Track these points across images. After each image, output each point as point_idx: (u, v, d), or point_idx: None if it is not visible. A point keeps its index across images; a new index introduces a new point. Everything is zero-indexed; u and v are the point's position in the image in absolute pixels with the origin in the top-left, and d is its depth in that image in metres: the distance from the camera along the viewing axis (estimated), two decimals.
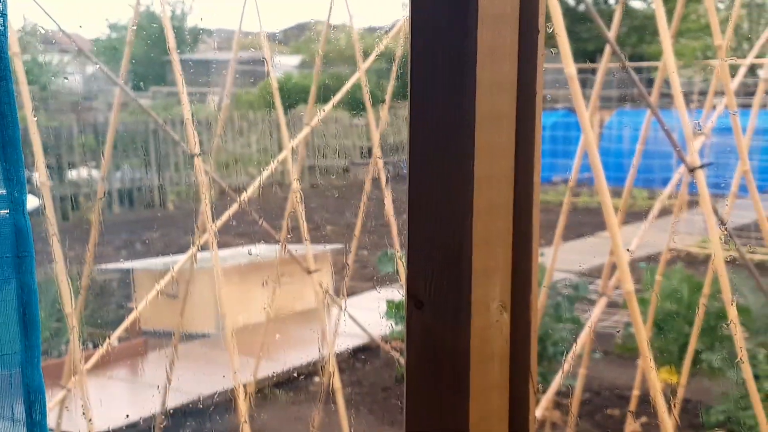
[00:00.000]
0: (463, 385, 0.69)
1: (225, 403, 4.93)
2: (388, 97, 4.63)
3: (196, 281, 4.19)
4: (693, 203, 4.61)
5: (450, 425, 0.69)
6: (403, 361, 4.49)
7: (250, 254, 6.10)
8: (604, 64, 3.03)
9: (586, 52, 19.09)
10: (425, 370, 0.71)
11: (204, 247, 3.92)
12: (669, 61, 2.65)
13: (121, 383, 5.48)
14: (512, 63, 0.70)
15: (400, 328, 5.63)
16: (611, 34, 2.70)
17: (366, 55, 4.53)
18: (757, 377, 3.47)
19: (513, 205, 0.71)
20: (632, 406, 4.00)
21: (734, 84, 3.15)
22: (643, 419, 4.73)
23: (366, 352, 6.16)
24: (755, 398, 2.74)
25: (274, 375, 5.49)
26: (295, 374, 5.64)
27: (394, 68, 4.41)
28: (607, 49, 2.90)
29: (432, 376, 0.71)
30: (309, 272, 3.67)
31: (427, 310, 0.69)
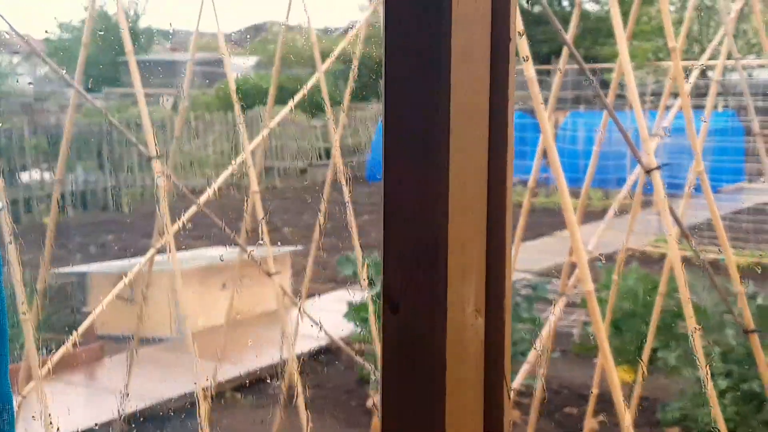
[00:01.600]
0: (438, 387, 0.69)
1: (185, 407, 4.89)
2: (347, 99, 4.63)
3: (154, 284, 4.15)
4: (646, 203, 4.68)
5: (426, 426, 0.70)
6: (363, 363, 4.48)
7: (220, 258, 6.06)
8: (562, 66, 3.07)
9: (541, 54, 19.27)
10: (401, 373, 0.71)
11: (162, 250, 3.89)
12: (625, 65, 2.69)
13: (78, 389, 5.41)
14: (485, 65, 0.71)
15: (361, 330, 5.62)
16: (568, 36, 2.73)
17: (324, 56, 4.52)
18: (712, 375, 3.53)
19: (486, 207, 0.72)
20: (591, 404, 4.05)
21: (688, 86, 3.20)
22: (601, 418, 4.79)
23: (327, 354, 6.14)
24: (712, 396, 2.79)
25: (235, 378, 5.46)
26: (256, 377, 5.61)
27: (354, 70, 4.41)
28: (565, 52, 2.93)
29: (408, 378, 0.71)
30: (269, 275, 3.65)
31: (402, 313, 0.69)
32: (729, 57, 3.39)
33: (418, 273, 0.69)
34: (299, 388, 4.11)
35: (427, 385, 0.70)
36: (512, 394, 2.94)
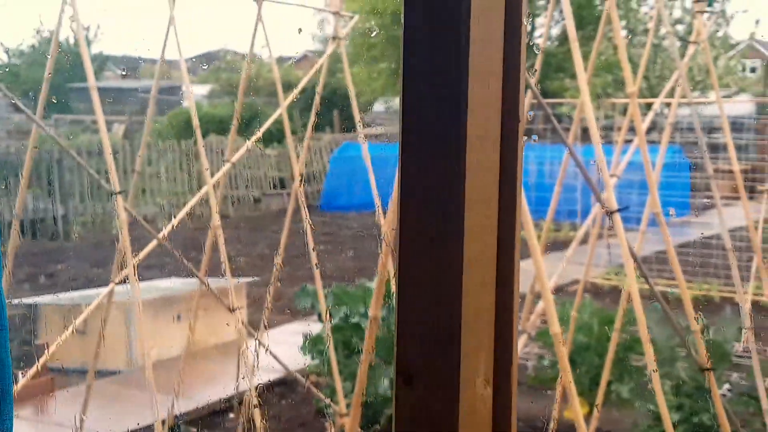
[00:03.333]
0: None
1: None
2: (309, 130, 4.64)
3: (108, 316, 4.10)
4: (598, 235, 4.77)
5: None
6: (320, 395, 4.47)
7: (178, 286, 6.00)
8: (522, 103, 3.14)
9: None
10: None
11: (121, 282, 3.86)
12: (586, 103, 2.76)
13: (28, 423, 5.29)
14: (496, 144, 0.74)
15: (317, 362, 5.61)
16: (533, 80, 2.79)
17: (284, 86, 4.54)
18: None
19: (495, 282, 0.75)
20: None
21: (645, 124, 3.29)
22: None
23: (282, 386, 6.11)
24: (668, 428, 2.85)
25: (191, 411, 5.40)
26: (211, 410, 5.56)
27: (316, 103, 4.44)
28: (529, 93, 3.00)
29: None
30: (231, 310, 3.64)
31: (416, 386, 0.72)
32: (683, 96, 3.50)
33: (434, 348, 0.72)
34: (258, 421, 4.10)
35: None
36: None
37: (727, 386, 5.06)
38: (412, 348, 0.72)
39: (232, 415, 5.49)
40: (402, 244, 0.74)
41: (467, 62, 0.70)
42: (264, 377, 5.98)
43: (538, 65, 3.13)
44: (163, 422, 3.99)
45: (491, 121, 0.74)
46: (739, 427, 3.43)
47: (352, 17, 4.11)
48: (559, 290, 8.60)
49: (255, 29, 3.96)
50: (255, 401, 4.13)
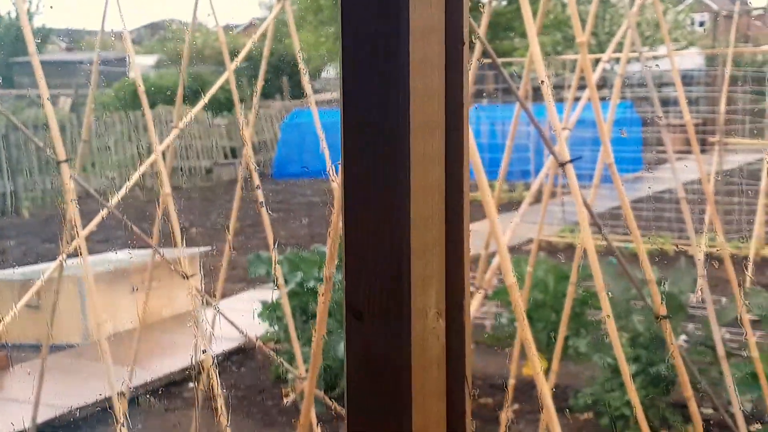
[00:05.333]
0: (404, 393, 0.70)
1: (97, 414, 4.77)
2: (256, 98, 4.58)
3: (60, 290, 4.03)
4: (551, 194, 4.79)
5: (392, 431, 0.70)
6: (280, 362, 4.46)
7: (131, 258, 5.92)
8: (474, 62, 3.11)
9: None
10: (366, 381, 0.71)
11: (71, 255, 3.78)
12: (536, 57, 2.74)
13: None
14: (440, 73, 0.72)
15: (275, 329, 5.59)
16: (481, 31, 2.77)
17: (229, 54, 4.46)
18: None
19: (445, 215, 0.72)
20: (510, 393, 4.13)
21: (595, 76, 3.29)
22: (516, 406, 4.88)
23: (240, 354, 6.09)
24: (627, 380, 2.88)
25: (149, 383, 5.35)
26: (170, 381, 5.52)
27: (263, 68, 4.36)
28: (478, 47, 2.97)
29: (373, 385, 0.71)
30: (185, 277, 3.59)
31: (366, 321, 0.69)
32: (632, 49, 3.50)
33: (382, 282, 0.69)
34: (217, 390, 4.07)
35: (392, 391, 0.71)
36: None
37: (683, 337, 5.15)
38: (361, 284, 0.70)
39: (191, 385, 5.46)
40: (346, 180, 0.71)
41: (407, 18, 0.67)
42: (222, 346, 5.95)
43: (485, 19, 3.10)
44: (121, 394, 3.95)
45: (434, 76, 0.71)
46: (697, 375, 3.48)
47: None
48: (514, 249, 8.67)
49: None
50: (213, 369, 4.10)
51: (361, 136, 0.68)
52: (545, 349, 5.04)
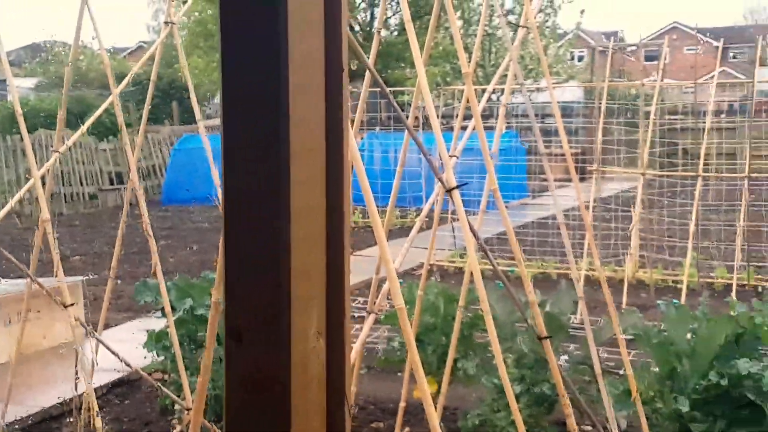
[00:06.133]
0: (284, 413, 0.71)
1: None
2: (143, 122, 4.51)
3: None
4: (441, 220, 4.88)
5: None
6: (167, 392, 4.36)
7: (4, 288, 5.69)
8: (365, 90, 3.16)
9: None
10: (246, 402, 0.72)
11: None
12: (425, 92, 2.80)
13: None
14: (320, 99, 0.74)
15: (162, 358, 5.46)
16: (370, 62, 2.81)
17: (115, 78, 4.38)
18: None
19: (326, 236, 0.74)
20: (400, 417, 4.16)
21: (480, 105, 3.39)
22: (407, 429, 4.92)
23: (125, 386, 5.92)
24: (512, 401, 2.95)
25: (24, 418, 5.14)
26: (48, 415, 5.31)
27: (150, 92, 4.30)
28: (367, 77, 3.02)
29: (253, 406, 0.72)
30: (65, 306, 3.48)
31: (246, 343, 0.70)
32: (515, 81, 3.61)
33: (262, 304, 0.70)
34: (98, 423, 3.95)
35: (272, 411, 0.72)
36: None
37: (565, 357, 5.30)
38: (241, 306, 0.71)
39: (71, 419, 5.27)
40: (227, 204, 0.72)
41: (287, 46, 0.69)
42: (105, 378, 5.78)
43: (374, 49, 3.15)
44: None
45: (314, 101, 0.74)
46: (576, 393, 3.59)
47: (185, 2, 4.00)
48: (407, 274, 8.76)
49: (80, 15, 3.79)
50: (94, 403, 3.98)
51: (241, 161, 0.70)
52: (436, 371, 5.10)
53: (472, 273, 3.07)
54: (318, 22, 0.72)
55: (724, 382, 3.89)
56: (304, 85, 0.71)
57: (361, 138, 15.61)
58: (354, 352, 2.83)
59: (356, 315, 7.15)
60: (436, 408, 4.27)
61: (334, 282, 0.74)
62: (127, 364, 4.46)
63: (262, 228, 0.70)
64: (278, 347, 0.70)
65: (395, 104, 2.55)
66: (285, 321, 0.70)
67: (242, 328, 0.70)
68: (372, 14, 24.47)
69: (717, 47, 10.46)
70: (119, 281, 9.27)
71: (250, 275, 0.70)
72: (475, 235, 2.87)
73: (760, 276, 8.78)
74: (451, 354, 4.04)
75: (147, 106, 4.30)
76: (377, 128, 16.43)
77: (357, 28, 24.52)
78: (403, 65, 23.12)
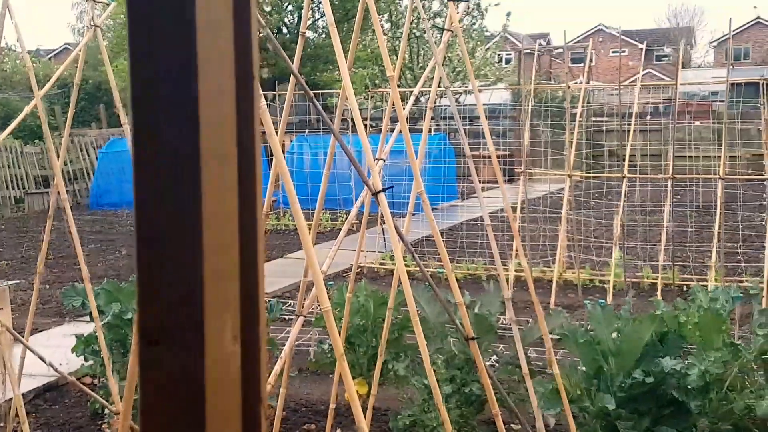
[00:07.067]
0: (199, 418, 0.72)
1: None
2: (68, 125, 4.44)
3: None
4: (370, 222, 4.92)
5: None
6: (95, 396, 4.30)
7: None
8: (290, 93, 3.17)
9: (263, 79, 19.52)
10: (160, 407, 0.73)
11: None
12: (351, 96, 2.83)
13: None
14: (231, 105, 0.75)
15: (91, 363, 5.38)
16: (294, 65, 2.82)
17: (39, 80, 4.31)
18: (437, 381, 3.77)
19: (239, 240, 0.76)
20: (330, 418, 4.17)
21: (406, 110, 3.42)
22: (338, 431, 4.94)
23: (54, 391, 5.82)
24: (439, 401, 2.99)
25: None
26: None
27: (74, 95, 4.24)
28: (292, 81, 3.03)
29: (167, 412, 0.73)
30: None
31: (161, 348, 0.72)
32: (440, 85, 3.66)
33: (176, 308, 0.72)
34: (26, 429, 3.88)
35: (187, 417, 0.73)
36: None
37: (494, 357, 5.39)
38: (154, 310, 0.72)
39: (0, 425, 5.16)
40: (138, 208, 0.73)
41: (195, 50, 0.71)
42: (34, 383, 5.67)
43: (298, 52, 3.17)
44: None
45: (224, 107, 0.76)
46: (504, 393, 3.65)
47: (108, 5, 3.96)
48: (338, 276, 8.77)
49: (2, 17, 3.71)
50: (22, 408, 3.90)
51: (152, 169, 0.71)
52: (366, 373, 5.13)
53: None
54: (227, 29, 0.74)
55: (649, 380, 3.99)
56: (214, 92, 0.73)
57: (291, 140, 15.57)
58: (283, 355, 2.85)
59: (287, 317, 7.15)
60: (366, 409, 4.30)
61: (249, 287, 0.76)
62: (55, 369, 4.39)
63: (174, 234, 0.71)
64: (193, 352, 0.71)
65: (319, 108, 2.57)
66: (199, 326, 0.71)
67: (156, 332, 0.72)
68: (300, 16, 24.43)
69: (642, 49, 10.71)
70: (47, 286, 9.10)
71: (162, 280, 0.72)
72: (401, 238, 2.91)
73: (684, 275, 9.04)
74: (381, 355, 4.08)
75: (71, 110, 4.24)
76: (306, 131, 16.38)
77: (285, 30, 24.42)
78: (332, 67, 23.13)
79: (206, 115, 0.72)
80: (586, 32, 53.68)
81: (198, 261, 0.71)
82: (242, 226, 0.77)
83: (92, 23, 3.78)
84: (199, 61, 0.70)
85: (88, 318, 5.10)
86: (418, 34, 20.12)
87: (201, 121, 0.71)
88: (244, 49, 0.75)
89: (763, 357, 4.20)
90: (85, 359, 5.16)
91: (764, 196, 8.57)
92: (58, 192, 4.14)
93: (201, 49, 0.71)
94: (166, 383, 0.72)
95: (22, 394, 4.10)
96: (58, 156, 4.28)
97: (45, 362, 4.21)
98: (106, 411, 4.81)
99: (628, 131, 9.08)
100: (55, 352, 5.52)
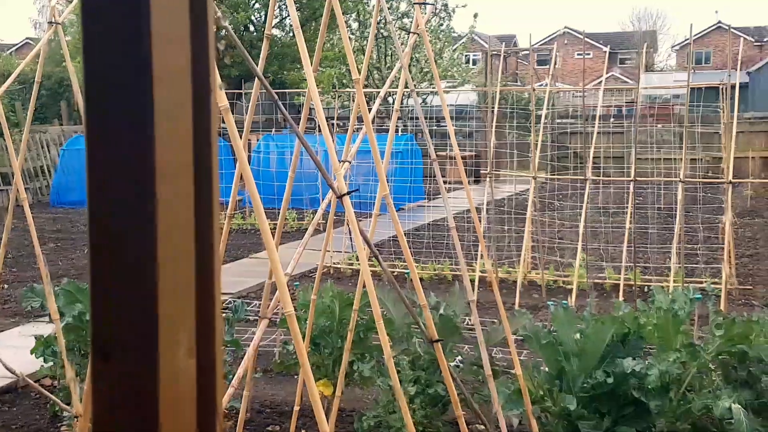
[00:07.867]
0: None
1: None
2: (28, 122, 4.38)
3: None
4: (337, 222, 4.91)
5: None
6: (55, 399, 4.25)
7: None
8: (254, 94, 3.15)
9: (230, 77, 19.41)
10: (113, 422, 0.72)
11: None
12: (315, 98, 2.81)
13: None
14: (187, 117, 0.74)
15: (51, 364, 5.31)
16: (259, 68, 2.81)
17: (0, 76, 4.25)
18: (401, 382, 3.77)
19: (195, 253, 0.75)
20: (294, 420, 4.16)
21: (372, 112, 3.42)
22: None
23: (12, 393, 5.73)
24: (402, 402, 2.99)
25: None
26: None
27: (35, 91, 4.18)
28: (257, 81, 3.01)
29: (121, 426, 0.72)
30: None
31: (114, 361, 0.70)
32: (406, 86, 3.66)
33: (129, 322, 0.71)
34: None
35: (141, 431, 0.72)
36: None
37: (459, 358, 5.40)
38: (107, 323, 0.70)
39: None
40: (92, 224, 0.72)
41: (150, 63, 0.70)
42: None
43: (263, 54, 3.15)
44: None
45: (180, 120, 0.75)
46: (467, 394, 3.66)
47: (71, 1, 3.91)
48: (304, 277, 8.74)
49: None
50: None
51: (106, 180, 0.70)
52: (332, 374, 5.12)
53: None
54: (184, 42, 0.73)
55: (610, 381, 4.02)
56: (170, 106, 0.71)
57: (257, 139, 15.49)
58: (247, 357, 2.83)
59: (252, 318, 7.11)
60: (332, 410, 4.29)
61: (205, 300, 0.75)
62: (12, 371, 4.33)
63: (127, 247, 0.70)
64: (146, 367, 0.70)
65: (283, 109, 2.56)
66: (153, 340, 0.70)
67: (109, 346, 0.70)
68: (266, 15, 24.35)
69: (605, 52, 10.80)
70: (5, 286, 8.96)
71: (116, 293, 0.70)
72: (366, 241, 2.90)
73: (645, 276, 9.13)
74: (346, 356, 4.07)
75: (32, 106, 4.18)
76: (273, 130, 16.30)
77: (252, 28, 24.30)
78: (299, 66, 23.07)
79: (162, 129, 0.71)
80: (552, 34, 54.11)
81: (152, 273, 0.70)
82: (198, 240, 0.76)
83: (54, 20, 3.73)
84: (154, 74, 0.69)
85: (48, 318, 5.03)
86: (385, 34, 20.13)
87: (156, 134, 0.70)
88: (201, 62, 0.74)
89: (720, 357, 4.25)
90: (45, 361, 5.09)
91: (723, 198, 8.69)
92: (17, 189, 4.08)
93: (157, 63, 0.70)
94: (119, 397, 0.70)
95: None
96: (17, 153, 4.21)
97: (2, 364, 4.15)
98: (66, 414, 4.75)
99: (592, 134, 9.16)
100: (16, 353, 5.45)
